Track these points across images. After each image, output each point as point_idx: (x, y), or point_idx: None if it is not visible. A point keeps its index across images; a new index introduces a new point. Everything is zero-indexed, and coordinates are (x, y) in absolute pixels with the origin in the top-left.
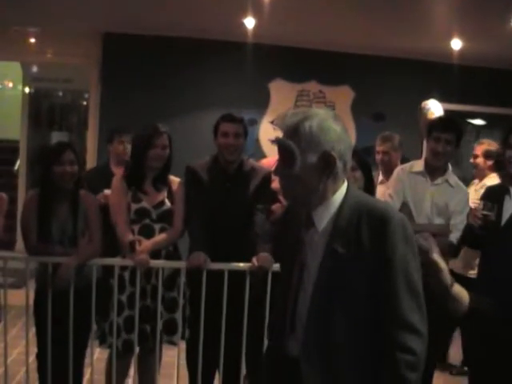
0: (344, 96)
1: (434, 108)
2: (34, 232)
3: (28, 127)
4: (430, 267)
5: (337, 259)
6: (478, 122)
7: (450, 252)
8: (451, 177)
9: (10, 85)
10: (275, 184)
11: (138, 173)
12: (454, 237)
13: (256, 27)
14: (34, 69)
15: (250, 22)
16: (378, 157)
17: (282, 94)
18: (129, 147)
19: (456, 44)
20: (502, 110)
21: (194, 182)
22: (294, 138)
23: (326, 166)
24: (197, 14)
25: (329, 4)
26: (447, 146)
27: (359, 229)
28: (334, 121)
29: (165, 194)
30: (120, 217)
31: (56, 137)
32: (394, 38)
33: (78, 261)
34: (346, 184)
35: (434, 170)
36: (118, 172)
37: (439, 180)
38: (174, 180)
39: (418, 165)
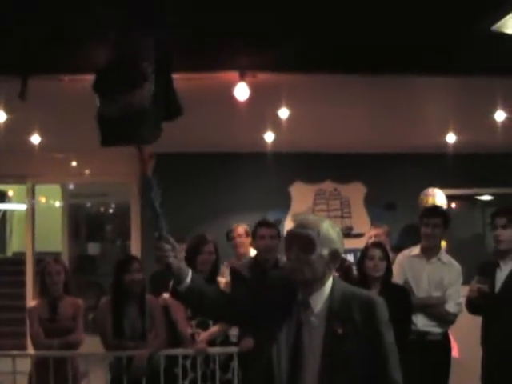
0: (357, 191)
1: (437, 195)
2: (109, 331)
3: (68, 239)
4: None
5: (337, 338)
6: (485, 198)
7: (447, 318)
8: (443, 255)
9: (44, 200)
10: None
11: None
12: (450, 306)
13: (275, 139)
14: (71, 186)
15: (269, 136)
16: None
17: (301, 195)
18: None
19: (451, 138)
20: (504, 190)
21: (238, 281)
22: (314, 232)
23: (333, 260)
24: (227, 133)
25: (340, 114)
26: (435, 228)
27: (351, 310)
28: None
29: None
30: (180, 314)
31: (92, 247)
32: (397, 137)
33: (148, 352)
34: (331, 276)
35: (428, 251)
36: None
37: (433, 259)
38: (221, 280)
39: (416, 249)
